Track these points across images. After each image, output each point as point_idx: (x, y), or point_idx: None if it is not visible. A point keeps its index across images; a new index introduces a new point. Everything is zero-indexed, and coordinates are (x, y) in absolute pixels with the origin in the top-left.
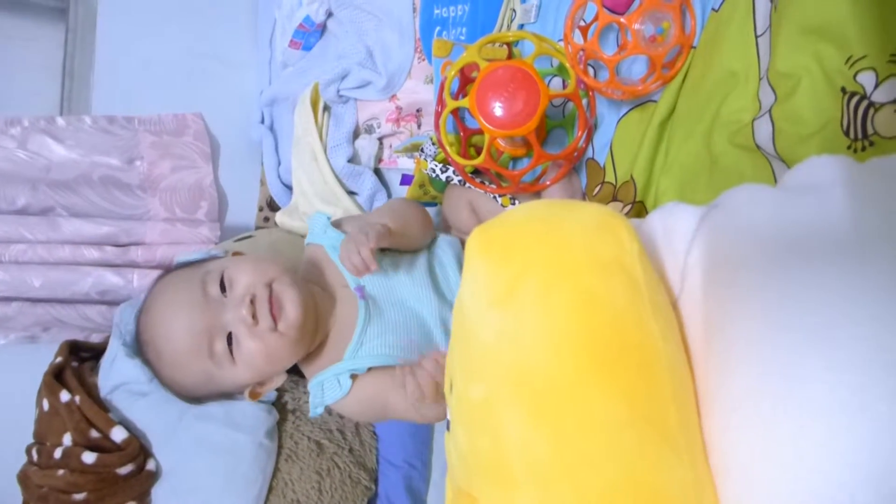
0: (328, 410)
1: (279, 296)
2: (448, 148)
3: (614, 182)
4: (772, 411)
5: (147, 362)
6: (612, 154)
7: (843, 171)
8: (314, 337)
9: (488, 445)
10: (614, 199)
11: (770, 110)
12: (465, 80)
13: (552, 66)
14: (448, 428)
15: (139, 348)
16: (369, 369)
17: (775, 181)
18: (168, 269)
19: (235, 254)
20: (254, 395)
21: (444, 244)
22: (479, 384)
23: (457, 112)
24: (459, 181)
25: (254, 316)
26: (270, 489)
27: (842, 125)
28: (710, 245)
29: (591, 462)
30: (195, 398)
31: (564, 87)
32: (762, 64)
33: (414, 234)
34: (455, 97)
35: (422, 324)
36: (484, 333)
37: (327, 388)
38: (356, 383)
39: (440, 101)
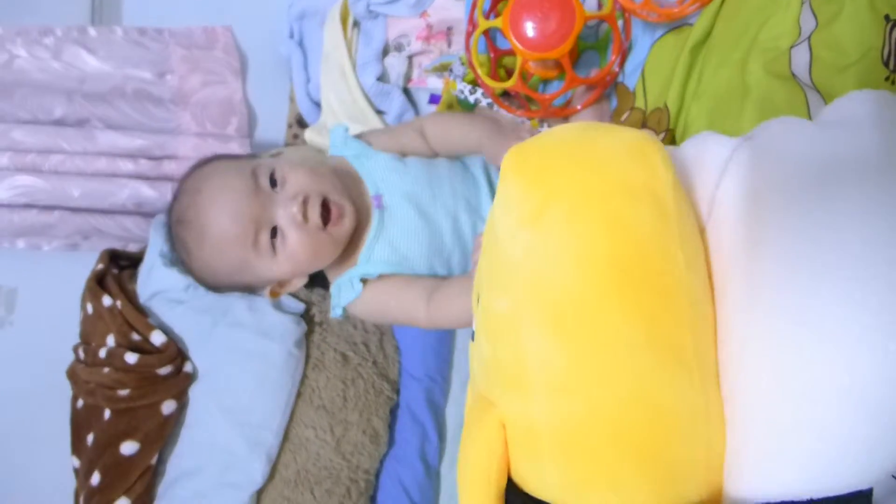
0: (353, 325)
1: (339, 207)
2: (478, 69)
3: (644, 108)
4: (784, 342)
5: (181, 243)
6: (644, 79)
7: (880, 105)
8: (348, 243)
9: (509, 356)
10: (643, 125)
11: (809, 37)
12: None
13: None
14: (472, 338)
15: (171, 230)
16: (381, 276)
17: (808, 112)
18: (211, 158)
19: (275, 154)
20: (273, 294)
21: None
22: (505, 298)
23: (488, 32)
24: (488, 104)
25: (304, 215)
26: (298, 395)
27: (882, 55)
28: (740, 176)
29: (606, 378)
30: (216, 286)
31: (599, 7)
32: None
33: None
34: (487, 16)
35: (437, 233)
36: (512, 250)
37: (343, 291)
38: (367, 287)
39: (471, 21)
